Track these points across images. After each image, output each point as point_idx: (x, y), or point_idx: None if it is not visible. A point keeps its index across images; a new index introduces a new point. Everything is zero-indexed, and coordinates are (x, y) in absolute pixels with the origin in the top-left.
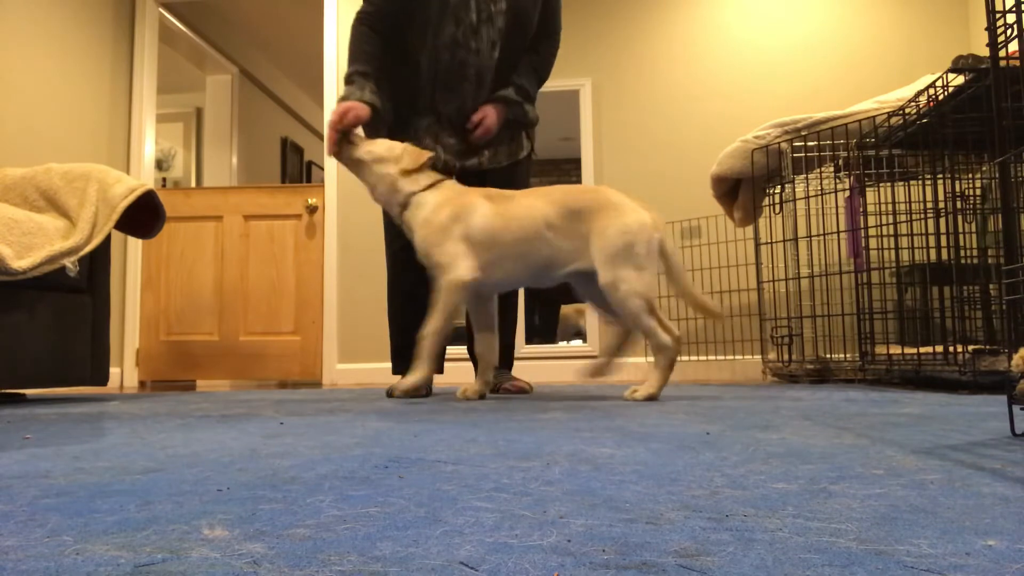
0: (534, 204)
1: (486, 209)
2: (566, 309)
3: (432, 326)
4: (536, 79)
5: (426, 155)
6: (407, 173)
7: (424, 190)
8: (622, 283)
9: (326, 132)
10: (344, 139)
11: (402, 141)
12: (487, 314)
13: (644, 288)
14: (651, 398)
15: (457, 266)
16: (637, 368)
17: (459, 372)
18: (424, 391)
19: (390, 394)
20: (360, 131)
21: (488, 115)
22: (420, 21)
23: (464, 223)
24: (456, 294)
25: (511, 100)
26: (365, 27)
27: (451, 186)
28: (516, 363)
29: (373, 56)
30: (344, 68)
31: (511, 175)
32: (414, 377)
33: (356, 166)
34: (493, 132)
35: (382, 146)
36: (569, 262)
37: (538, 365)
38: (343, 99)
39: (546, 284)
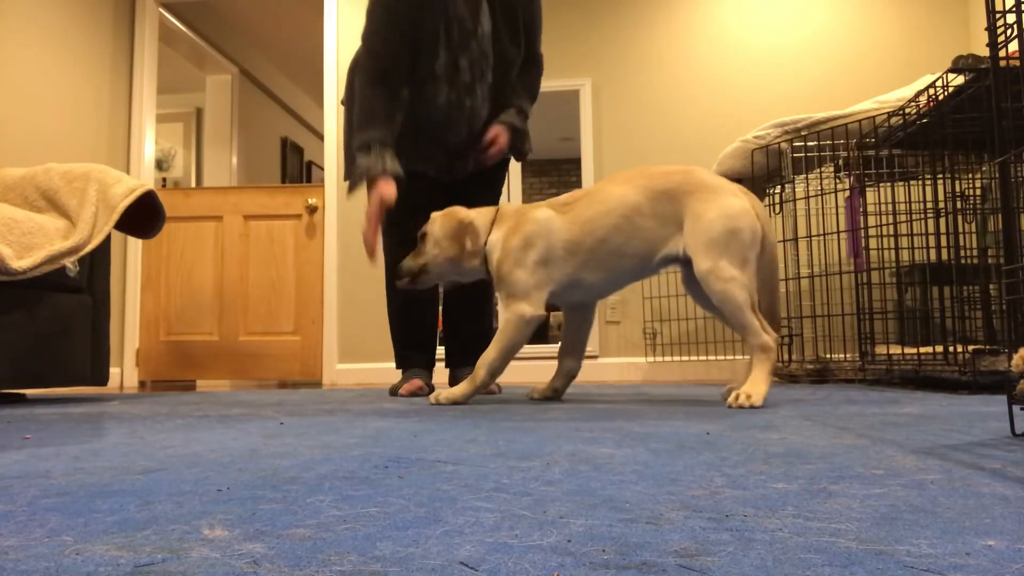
0: (616, 193)
1: (557, 221)
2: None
3: (498, 362)
4: (529, 102)
5: (458, 218)
6: (470, 248)
7: (488, 236)
8: (723, 272)
9: (368, 223)
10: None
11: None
12: (579, 324)
13: (747, 280)
14: (755, 406)
15: (530, 299)
16: (635, 368)
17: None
18: (427, 390)
19: (394, 392)
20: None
21: (500, 135)
22: (417, 77)
23: (536, 248)
24: (524, 328)
25: (516, 128)
26: (378, 87)
27: (510, 214)
28: (515, 363)
29: (389, 117)
30: (345, 69)
31: (495, 177)
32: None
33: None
34: (503, 154)
35: (429, 242)
36: (660, 249)
37: (538, 365)
38: (366, 174)
39: (649, 275)
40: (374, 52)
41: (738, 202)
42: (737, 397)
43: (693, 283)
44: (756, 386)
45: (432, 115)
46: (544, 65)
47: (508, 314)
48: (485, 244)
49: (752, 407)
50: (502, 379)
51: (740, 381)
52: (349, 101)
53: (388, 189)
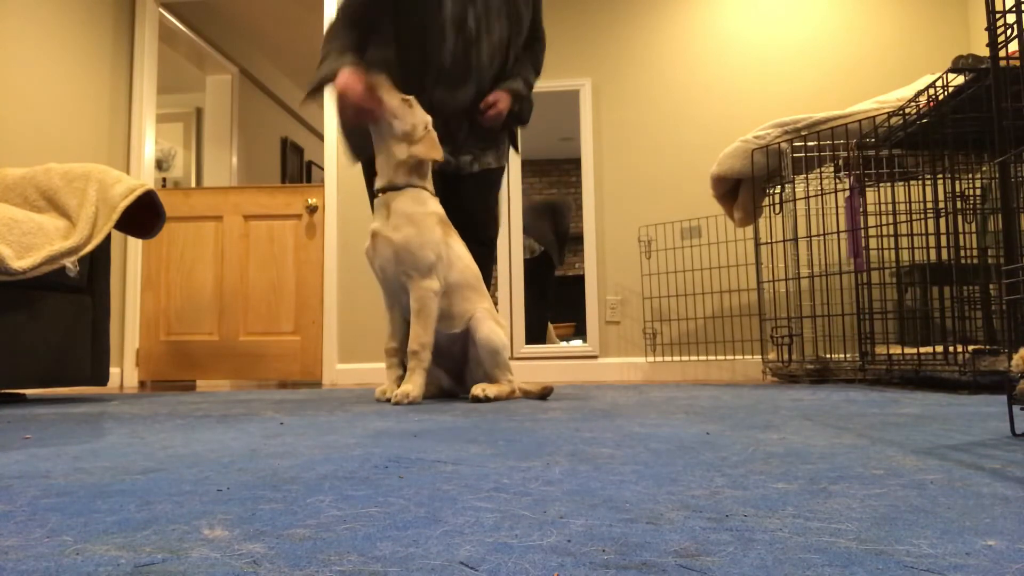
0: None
1: (455, 237)
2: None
3: (427, 339)
4: (534, 74)
5: (438, 153)
6: (412, 160)
7: (403, 188)
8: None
9: (357, 110)
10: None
11: None
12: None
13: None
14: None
15: (436, 276)
16: (635, 368)
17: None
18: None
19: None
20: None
21: (501, 100)
22: (417, 23)
23: (446, 242)
24: (434, 302)
25: (520, 94)
26: (340, 21)
27: (423, 197)
28: (515, 363)
29: (351, 43)
30: None
31: (490, 180)
32: (420, 390)
33: (376, 124)
34: (503, 118)
35: (416, 118)
36: None
37: (537, 365)
38: (324, 77)
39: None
40: (344, 3)
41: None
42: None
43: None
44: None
45: (443, 63)
46: (544, 55)
47: (421, 288)
48: (397, 187)
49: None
50: None
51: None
52: None
53: (346, 77)
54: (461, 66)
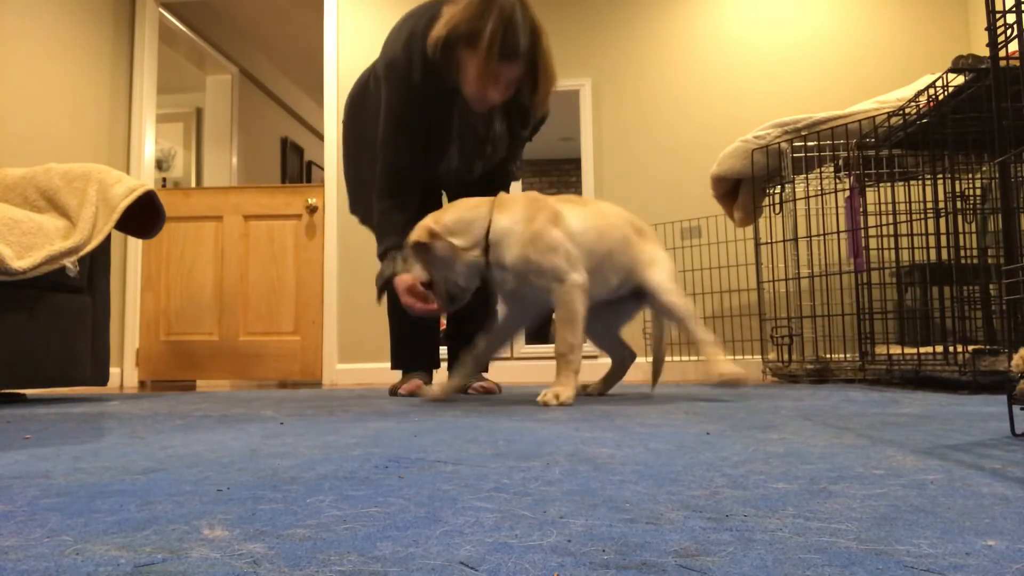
0: (619, 215)
1: (573, 212)
2: None
3: (573, 339)
4: (521, 152)
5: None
6: (464, 244)
7: (488, 224)
8: (680, 294)
9: (414, 307)
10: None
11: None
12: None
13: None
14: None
15: (576, 268)
16: (635, 367)
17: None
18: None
19: (393, 392)
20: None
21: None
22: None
23: (562, 226)
24: (584, 298)
25: (502, 178)
26: (389, 200)
27: (514, 199)
28: (515, 363)
29: (402, 226)
30: (345, 69)
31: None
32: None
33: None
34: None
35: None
36: (633, 277)
37: (538, 365)
38: (383, 278)
39: (608, 299)
40: (390, 164)
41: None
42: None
43: (596, 317)
44: (727, 365)
45: (449, 170)
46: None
47: (563, 290)
48: (488, 233)
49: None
50: (501, 380)
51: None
52: (348, 123)
53: (404, 279)
54: (467, 175)
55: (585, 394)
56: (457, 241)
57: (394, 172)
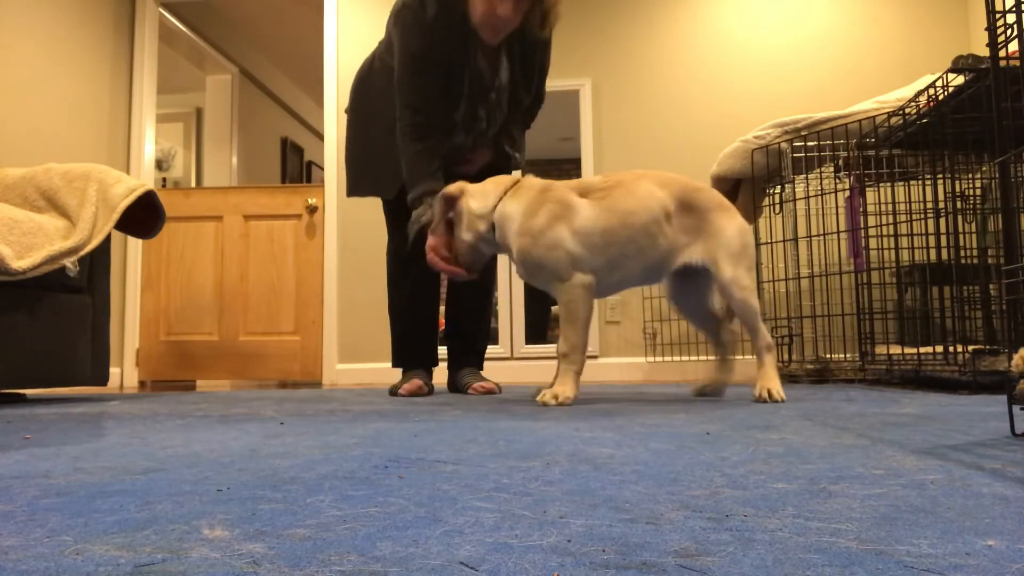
0: (654, 193)
1: (587, 207)
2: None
3: (575, 339)
4: (524, 129)
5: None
6: (478, 206)
7: (498, 201)
8: (742, 281)
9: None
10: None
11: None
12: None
13: (755, 289)
14: (783, 399)
15: (579, 268)
16: (635, 368)
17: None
18: (426, 390)
19: (394, 392)
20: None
21: (481, 156)
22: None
23: (568, 222)
24: (588, 298)
25: (505, 154)
26: (419, 143)
27: (530, 185)
28: (515, 363)
29: (435, 171)
30: (345, 69)
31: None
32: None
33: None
34: (475, 169)
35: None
36: (679, 257)
37: (537, 365)
38: (418, 222)
39: (652, 282)
40: (411, 106)
41: (744, 222)
42: (762, 396)
43: (685, 295)
44: (773, 381)
45: (460, 124)
46: (539, 110)
47: (564, 289)
48: (495, 209)
49: (782, 400)
50: (501, 379)
51: (712, 380)
52: (354, 103)
53: (433, 240)
54: (467, 151)
55: (703, 395)
56: (474, 205)
57: (416, 111)
